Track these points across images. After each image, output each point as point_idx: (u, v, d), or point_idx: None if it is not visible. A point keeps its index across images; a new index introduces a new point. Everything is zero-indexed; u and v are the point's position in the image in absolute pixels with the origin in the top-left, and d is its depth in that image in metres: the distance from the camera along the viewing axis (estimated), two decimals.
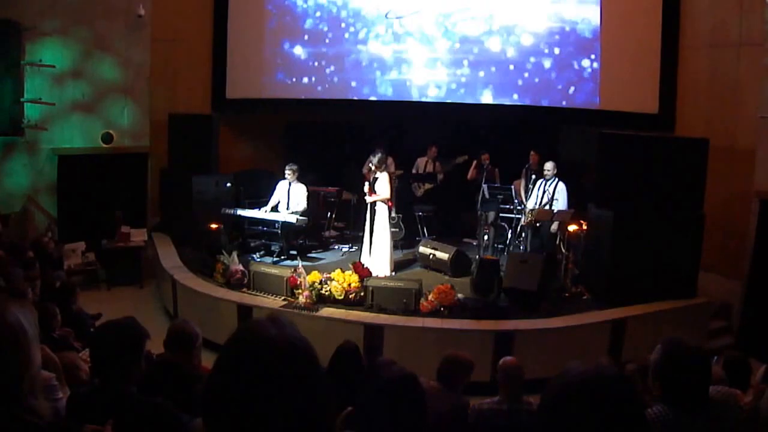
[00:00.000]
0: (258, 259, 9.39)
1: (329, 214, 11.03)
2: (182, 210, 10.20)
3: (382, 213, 8.69)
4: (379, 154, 8.89)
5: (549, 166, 9.05)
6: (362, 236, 8.95)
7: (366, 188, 8.73)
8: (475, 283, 8.14)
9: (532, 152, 9.82)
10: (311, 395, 1.53)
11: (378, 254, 8.70)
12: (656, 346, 2.75)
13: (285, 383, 1.51)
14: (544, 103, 10.66)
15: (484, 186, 9.66)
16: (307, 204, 9.69)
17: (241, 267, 8.33)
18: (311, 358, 1.58)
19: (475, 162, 10.57)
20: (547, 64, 10.63)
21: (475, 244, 9.96)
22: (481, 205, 9.63)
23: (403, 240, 10.15)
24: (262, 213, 9.64)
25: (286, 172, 9.58)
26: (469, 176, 10.54)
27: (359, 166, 10.83)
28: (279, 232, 9.48)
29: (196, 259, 9.11)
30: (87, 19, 10.31)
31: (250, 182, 10.83)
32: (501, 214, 9.79)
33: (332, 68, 11.45)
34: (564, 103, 10.61)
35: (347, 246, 10.40)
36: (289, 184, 9.63)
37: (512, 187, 9.58)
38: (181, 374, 3.53)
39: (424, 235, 10.50)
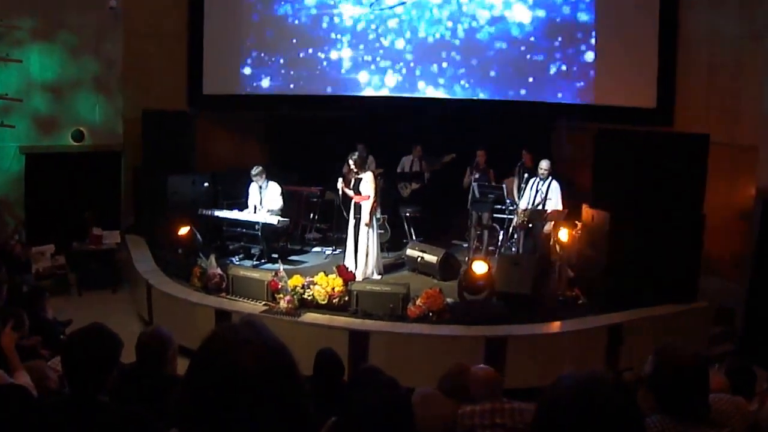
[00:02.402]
0: (237, 263, 9.41)
1: (312, 215, 11.05)
2: (157, 211, 10.15)
3: (367, 214, 8.74)
4: (357, 153, 9.00)
5: (544, 165, 9.04)
6: (346, 238, 9.00)
7: (339, 185, 8.82)
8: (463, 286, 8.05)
9: (524, 151, 9.86)
10: (289, 402, 1.52)
11: (363, 257, 8.76)
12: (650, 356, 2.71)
13: (261, 389, 1.50)
14: (538, 97, 10.73)
15: (474, 185, 9.73)
16: (284, 202, 9.75)
17: (219, 271, 8.32)
18: (289, 362, 1.57)
19: (468, 169, 10.48)
20: (540, 57, 10.70)
21: (465, 246, 10.00)
22: (471, 204, 9.67)
23: (390, 242, 10.22)
24: (242, 214, 9.69)
25: (253, 176, 9.63)
26: (464, 184, 10.30)
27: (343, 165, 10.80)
28: (259, 234, 9.49)
29: (172, 263, 9.10)
30: (58, 12, 10.28)
31: (228, 182, 10.80)
32: (493, 215, 9.84)
33: (314, 62, 11.47)
34: (559, 96, 10.65)
35: (331, 248, 10.42)
36: (260, 187, 9.71)
37: (504, 186, 9.60)
38: (154, 381, 3.53)
39: (411, 237, 10.53)
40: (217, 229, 10.02)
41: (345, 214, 9.16)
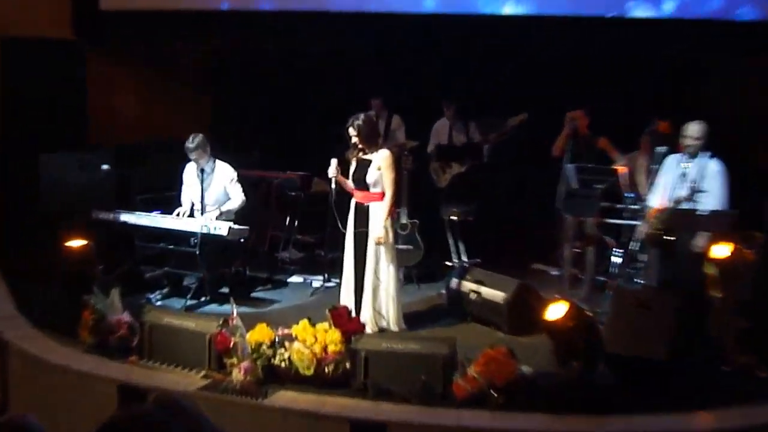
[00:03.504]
0: (159, 302, 9.58)
1: (288, 220, 11.24)
2: (21, 212, 10.16)
3: (382, 220, 8.73)
4: (364, 116, 8.85)
5: (694, 130, 8.77)
6: (345, 260, 9.03)
7: (332, 170, 8.85)
8: (557, 345, 7.69)
9: (655, 114, 9.99)
10: None
11: (373, 293, 8.78)
12: None
13: None
14: (687, 13, 10.72)
15: (569, 168, 9.53)
16: (246, 197, 9.98)
17: (127, 317, 8.27)
18: None
19: (566, 130, 10.30)
20: None
21: (554, 273, 10.15)
22: (564, 202, 9.50)
23: (422, 267, 10.36)
24: (168, 219, 9.76)
25: (189, 152, 9.80)
26: (556, 151, 10.39)
27: (339, 138, 10.55)
28: (197, 252, 9.41)
29: (47, 303, 9.13)
30: None
31: (145, 163, 10.89)
32: (604, 220, 9.79)
33: None
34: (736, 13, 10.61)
35: (320, 278, 10.56)
36: (201, 171, 9.89)
37: (621, 170, 9.51)
38: None
39: (459, 257, 10.63)
40: (125, 245, 10.04)
41: (341, 225, 9.09)
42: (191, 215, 9.87)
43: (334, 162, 8.89)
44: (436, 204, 11.12)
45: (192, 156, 9.81)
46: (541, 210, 10.59)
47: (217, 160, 9.96)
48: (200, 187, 9.91)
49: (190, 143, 9.74)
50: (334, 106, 10.22)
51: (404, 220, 9.71)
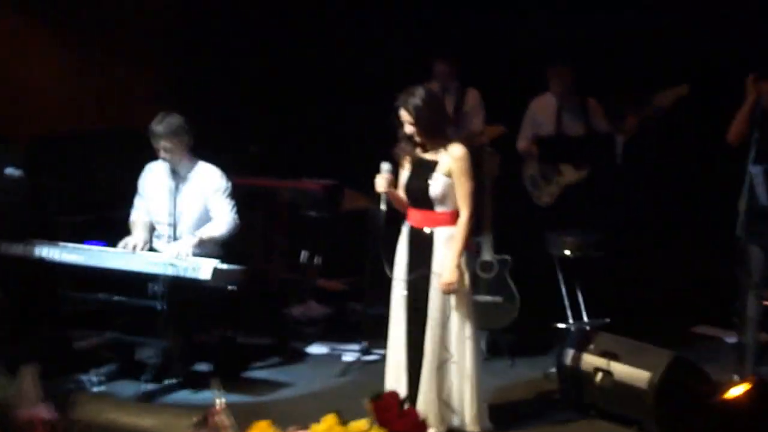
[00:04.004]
0: (98, 387, 8.85)
1: (305, 254, 10.87)
2: None
3: (454, 257, 7.73)
4: (421, 92, 7.82)
5: None
6: (393, 319, 8.17)
7: (382, 184, 7.88)
8: None
9: None
10: None
11: (442, 372, 7.92)
12: None
13: None
14: None
15: (756, 171, 8.79)
16: (238, 217, 9.29)
17: (47, 411, 7.40)
18: None
19: (747, 105, 9.30)
20: None
21: (729, 340, 9.83)
22: (747, 223, 8.70)
23: (517, 330, 9.82)
24: (112, 254, 8.96)
25: (155, 139, 9.00)
26: (732, 138, 9.47)
27: (383, 127, 10.12)
28: (161, 307, 8.54)
29: None
30: None
31: (74, 166, 10.70)
32: None
33: None
34: None
35: (354, 347, 9.99)
36: (173, 172, 9.10)
37: None
38: None
39: (575, 315, 10.22)
40: (44, 295, 9.33)
41: (387, 264, 8.19)
42: (151, 248, 8.99)
43: (385, 167, 7.85)
44: (538, 231, 10.43)
45: (161, 147, 8.87)
46: (708, 239, 10.52)
47: (200, 162, 9.14)
48: (171, 201, 8.99)
49: (159, 125, 8.85)
50: (370, 73, 10.48)
51: (488, 256, 9.07)
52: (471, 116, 10.88)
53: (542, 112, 10.97)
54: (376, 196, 8.17)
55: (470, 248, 8.01)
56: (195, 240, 8.80)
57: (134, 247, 8.93)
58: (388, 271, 8.19)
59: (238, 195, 9.50)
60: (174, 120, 8.93)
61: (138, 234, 9.06)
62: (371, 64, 11.72)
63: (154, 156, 9.14)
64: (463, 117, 10.79)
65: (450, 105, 10.34)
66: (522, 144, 11.03)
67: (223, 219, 9.03)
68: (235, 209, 9.16)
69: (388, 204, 8.19)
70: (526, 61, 11.52)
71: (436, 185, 7.61)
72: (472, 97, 10.96)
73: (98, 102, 11.93)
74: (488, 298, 9.27)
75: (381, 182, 7.80)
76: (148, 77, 12.24)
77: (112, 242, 9.12)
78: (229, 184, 9.20)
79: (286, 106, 11.68)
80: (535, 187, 10.85)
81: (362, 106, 11.15)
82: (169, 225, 9.04)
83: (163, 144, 8.87)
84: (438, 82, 10.47)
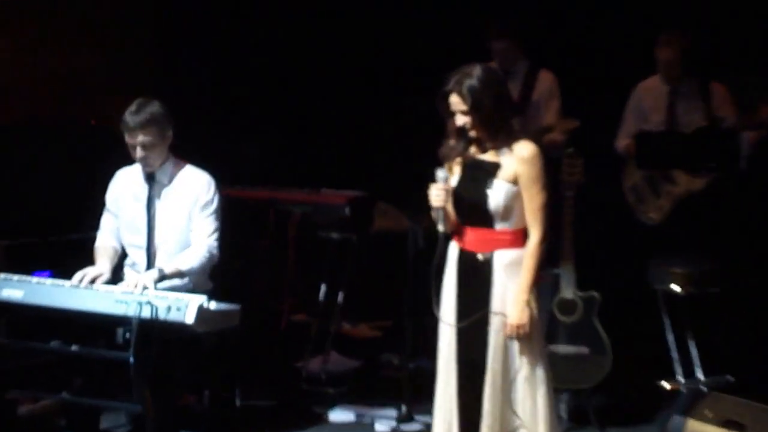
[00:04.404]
0: None
1: (324, 287, 10.54)
2: None
3: (523, 291, 7.26)
4: (482, 68, 7.30)
5: None
6: (441, 375, 7.60)
7: (438, 197, 7.26)
8: None
9: None
10: None
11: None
12: None
13: None
14: None
15: None
16: (218, 249, 8.68)
17: None
18: None
19: None
20: None
21: None
22: None
23: (609, 390, 9.40)
24: (67, 290, 8.30)
25: (129, 131, 8.41)
26: None
27: (426, 124, 8.96)
28: (131, 360, 7.92)
29: None
30: None
31: (19, 171, 10.48)
32: None
33: None
34: None
35: (391, 412, 9.59)
36: (150, 177, 8.55)
37: None
38: None
39: (687, 371, 9.75)
40: None
41: (435, 302, 7.48)
42: (113, 280, 8.16)
43: (441, 175, 7.17)
44: (638, 259, 9.73)
45: (137, 143, 8.21)
46: None
47: (187, 165, 8.46)
48: (145, 217, 8.46)
49: (135, 115, 8.19)
50: (409, 55, 10.39)
51: (569, 293, 8.49)
52: (542, 106, 10.21)
53: (649, 100, 10.22)
54: (427, 215, 7.45)
55: (544, 280, 7.69)
56: (155, 275, 8.24)
57: (93, 281, 8.31)
58: (436, 312, 7.51)
59: (235, 212, 9.23)
60: (154, 108, 8.41)
61: (102, 263, 8.43)
62: (409, 44, 11.29)
63: (126, 160, 8.51)
64: (531, 107, 10.14)
65: (515, 91, 9.72)
66: (622, 142, 10.17)
67: (197, 246, 8.54)
68: (216, 234, 8.59)
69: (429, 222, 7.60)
70: (621, 32, 11.00)
71: (496, 195, 7.02)
72: (545, 81, 10.13)
73: (62, 87, 11.63)
74: (569, 348, 8.78)
75: (438, 194, 7.13)
76: (115, 63, 11.97)
77: (67, 273, 8.41)
78: (215, 197, 8.61)
79: (299, 96, 11.26)
80: (639, 200, 10.15)
81: (398, 96, 11.01)
82: (145, 249, 8.59)
83: (140, 139, 8.30)
84: (498, 63, 9.81)
